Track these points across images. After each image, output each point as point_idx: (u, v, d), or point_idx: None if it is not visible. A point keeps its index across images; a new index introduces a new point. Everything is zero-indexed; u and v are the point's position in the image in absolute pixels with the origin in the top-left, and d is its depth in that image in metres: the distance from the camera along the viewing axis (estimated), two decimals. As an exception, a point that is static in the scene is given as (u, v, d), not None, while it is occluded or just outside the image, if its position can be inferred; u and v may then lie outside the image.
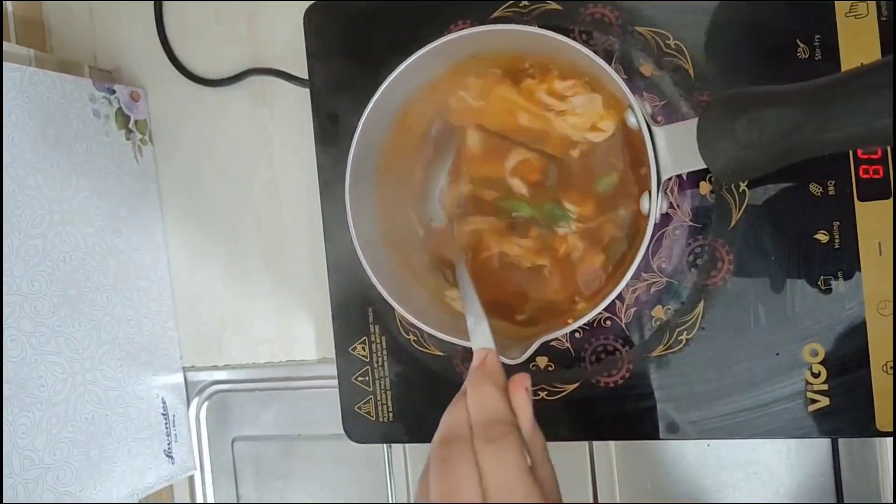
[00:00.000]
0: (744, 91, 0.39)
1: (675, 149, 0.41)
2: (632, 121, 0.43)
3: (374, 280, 0.47)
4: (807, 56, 0.46)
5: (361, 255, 0.47)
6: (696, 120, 0.39)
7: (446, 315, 0.50)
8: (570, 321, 0.43)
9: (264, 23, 0.62)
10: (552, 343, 0.50)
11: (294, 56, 0.58)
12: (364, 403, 0.55)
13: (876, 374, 0.45)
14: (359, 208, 0.49)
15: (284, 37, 0.61)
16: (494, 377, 0.36)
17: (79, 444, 0.56)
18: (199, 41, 0.64)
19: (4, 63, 0.53)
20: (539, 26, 0.46)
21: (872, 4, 0.44)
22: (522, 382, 0.36)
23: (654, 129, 0.42)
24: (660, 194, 0.42)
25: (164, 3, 0.65)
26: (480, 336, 0.39)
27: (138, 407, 0.62)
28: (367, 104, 0.47)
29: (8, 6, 0.61)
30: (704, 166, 0.40)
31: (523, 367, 0.50)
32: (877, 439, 0.50)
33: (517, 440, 0.33)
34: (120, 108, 0.63)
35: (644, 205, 0.43)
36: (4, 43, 0.57)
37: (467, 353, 0.52)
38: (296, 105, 0.60)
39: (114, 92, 0.62)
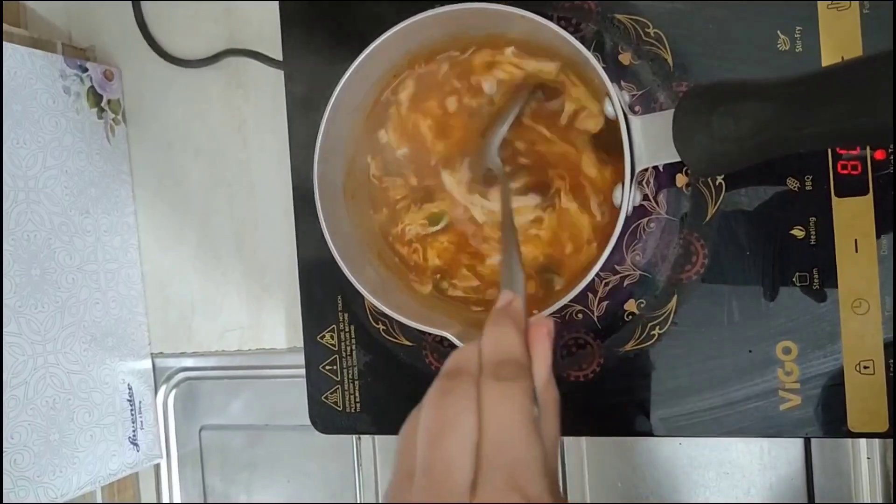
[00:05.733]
0: (721, 83, 0.38)
1: (651, 140, 0.40)
2: (609, 109, 0.42)
3: (342, 266, 0.46)
4: (787, 48, 0.45)
5: (330, 241, 0.46)
6: (673, 110, 0.38)
7: (416, 304, 0.49)
8: (534, 311, 0.42)
9: (242, 3, 0.61)
10: (523, 335, 0.49)
11: (271, 37, 0.57)
12: (331, 393, 0.54)
13: (849, 374, 0.44)
14: (328, 193, 0.47)
15: (262, 17, 0.60)
16: (516, 320, 0.33)
17: (38, 428, 0.55)
18: (175, 21, 0.63)
19: (-30, 35, 0.52)
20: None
21: (855, -3, 0.43)
22: (546, 325, 0.32)
23: (631, 118, 0.41)
24: (633, 186, 0.41)
25: (141, -20, 0.63)
26: (514, 282, 0.36)
27: (103, 392, 0.60)
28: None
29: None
30: (679, 159, 0.39)
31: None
32: (849, 440, 0.49)
33: (528, 385, 0.30)
34: (92, 87, 0.61)
35: (616, 196, 0.42)
36: (-28, 15, 0.55)
37: (437, 344, 0.51)
38: (271, 87, 0.59)
39: (86, 70, 0.61)
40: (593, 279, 0.42)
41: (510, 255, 0.38)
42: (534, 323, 0.33)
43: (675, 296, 0.47)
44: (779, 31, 0.45)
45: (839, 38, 0.44)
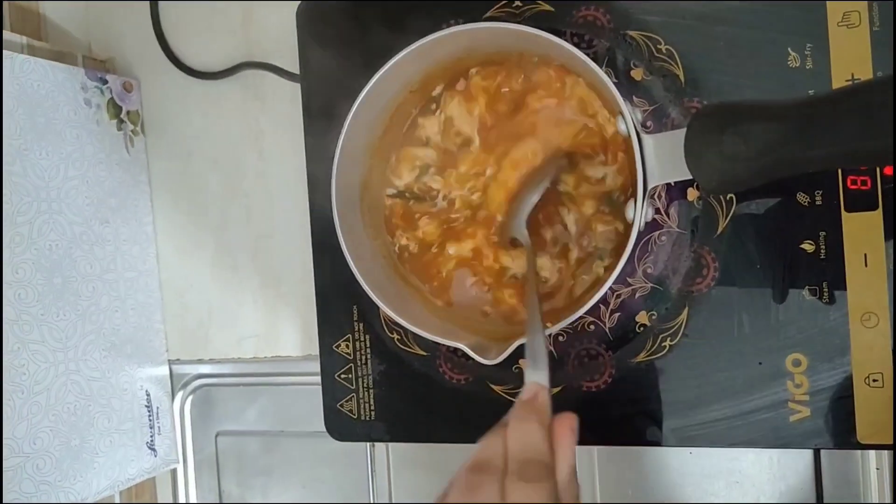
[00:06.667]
0: (732, 103, 0.38)
1: (663, 158, 0.41)
2: (621, 127, 0.43)
3: (358, 277, 0.47)
4: (798, 64, 0.45)
5: (346, 251, 0.47)
6: (685, 130, 0.39)
7: (431, 316, 0.50)
8: (549, 324, 0.43)
9: (259, 16, 0.62)
10: (535, 346, 0.50)
11: (288, 50, 0.58)
12: (346, 401, 0.55)
13: (858, 386, 0.45)
14: (345, 205, 0.48)
15: (279, 30, 0.61)
16: (541, 415, 0.34)
17: (60, 434, 0.56)
18: (193, 33, 0.64)
19: (-4, 50, 0.53)
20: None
21: (865, 14, 0.44)
22: (569, 423, 0.34)
23: (644, 136, 0.41)
24: (645, 202, 0.41)
25: (160, -6, 0.65)
26: (538, 373, 0.37)
27: (122, 398, 0.61)
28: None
29: (2, -6, 0.61)
30: (691, 177, 0.39)
31: (505, 368, 0.50)
32: (858, 452, 0.50)
33: (551, 487, 0.32)
34: (112, 98, 0.63)
35: (629, 212, 0.43)
36: (-3, 30, 0.56)
37: (451, 354, 0.52)
38: (288, 99, 0.60)
39: (106, 82, 0.62)
40: (606, 291, 0.43)
41: (535, 338, 0.38)
42: (558, 420, 0.34)
43: (686, 308, 0.48)
44: (789, 49, 0.45)
45: (849, 56, 0.44)
